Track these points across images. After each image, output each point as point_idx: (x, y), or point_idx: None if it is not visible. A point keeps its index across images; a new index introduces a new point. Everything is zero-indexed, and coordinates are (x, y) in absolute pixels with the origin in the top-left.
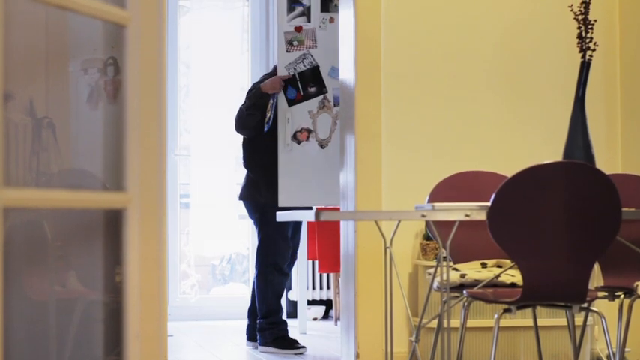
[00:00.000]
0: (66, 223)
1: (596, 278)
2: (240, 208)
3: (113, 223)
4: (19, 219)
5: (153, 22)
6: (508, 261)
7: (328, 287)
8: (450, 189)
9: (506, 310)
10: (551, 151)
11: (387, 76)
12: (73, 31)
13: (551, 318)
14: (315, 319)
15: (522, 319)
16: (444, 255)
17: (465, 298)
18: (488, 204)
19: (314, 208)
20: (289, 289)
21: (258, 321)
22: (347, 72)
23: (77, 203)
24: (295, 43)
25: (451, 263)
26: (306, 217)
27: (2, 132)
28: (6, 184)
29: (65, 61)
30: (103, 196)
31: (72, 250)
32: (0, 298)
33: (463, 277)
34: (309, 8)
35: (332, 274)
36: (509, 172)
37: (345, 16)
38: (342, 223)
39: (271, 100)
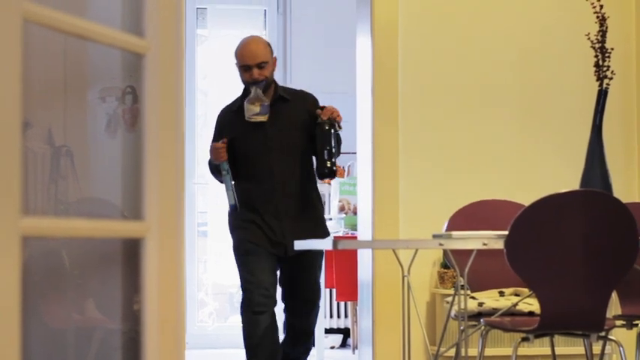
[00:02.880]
0: (84, 251)
1: (614, 307)
2: None
3: (131, 251)
4: (37, 247)
5: (171, 50)
6: (526, 289)
7: (346, 316)
8: (468, 217)
9: (524, 339)
10: (568, 179)
11: (404, 104)
12: (91, 59)
13: (569, 347)
14: (332, 347)
15: (540, 347)
16: (462, 283)
17: (483, 327)
18: (506, 232)
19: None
20: None
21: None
22: (364, 100)
23: (95, 232)
24: None
25: (469, 292)
26: (323, 245)
27: (21, 160)
28: (24, 213)
29: (83, 89)
30: (122, 224)
31: (90, 279)
32: (18, 325)
33: (481, 305)
34: None
35: (349, 303)
36: (526, 200)
37: (363, 44)
38: (359, 251)
39: (223, 172)
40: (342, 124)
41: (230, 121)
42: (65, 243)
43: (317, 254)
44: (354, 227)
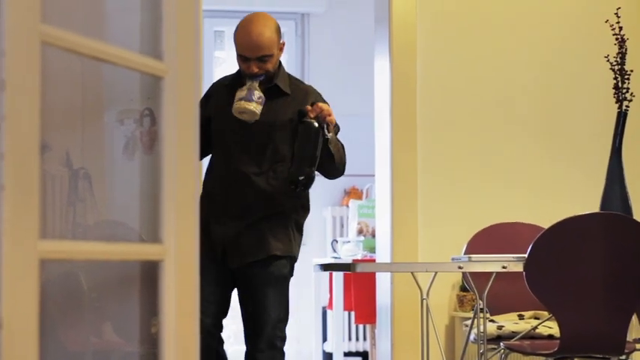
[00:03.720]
0: (102, 274)
1: (634, 330)
2: None
3: (149, 274)
4: (55, 270)
5: (189, 73)
6: (545, 313)
7: (364, 339)
8: (487, 240)
9: None
10: (588, 201)
11: (422, 126)
12: (109, 82)
13: None
14: None
15: None
16: (481, 306)
17: (503, 350)
18: (525, 255)
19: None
20: (325, 340)
21: None
22: (382, 122)
23: (113, 255)
24: None
25: (488, 315)
26: (342, 268)
27: (39, 184)
28: (42, 236)
29: (101, 111)
30: (140, 247)
31: (108, 302)
32: (37, 348)
33: (500, 329)
34: None
35: (368, 326)
36: (546, 223)
37: (381, 66)
38: (377, 274)
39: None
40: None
41: (218, 92)
42: (83, 265)
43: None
44: (372, 250)
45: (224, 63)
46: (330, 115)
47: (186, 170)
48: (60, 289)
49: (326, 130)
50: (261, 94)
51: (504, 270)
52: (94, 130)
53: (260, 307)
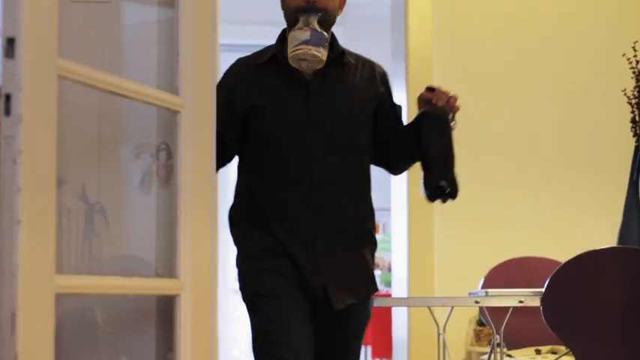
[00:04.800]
0: (118, 308)
1: None
2: None
3: (165, 309)
4: (70, 304)
5: (205, 108)
6: (563, 347)
7: None
8: (504, 275)
9: None
10: (605, 236)
11: None
12: (125, 115)
13: None
14: None
15: None
16: (498, 341)
17: None
18: (542, 290)
19: None
20: None
21: None
22: None
23: (129, 290)
24: None
25: (505, 350)
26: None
27: (55, 218)
28: (58, 271)
29: (117, 145)
30: (156, 282)
31: (123, 336)
32: None
33: None
34: None
35: None
36: (563, 257)
37: (398, 100)
38: (394, 308)
39: None
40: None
41: (249, 77)
42: (98, 300)
43: (368, 312)
44: (388, 284)
45: None
46: (456, 100)
47: (202, 205)
48: (75, 323)
49: (453, 119)
50: (325, 33)
51: (521, 304)
52: (110, 163)
53: (348, 356)
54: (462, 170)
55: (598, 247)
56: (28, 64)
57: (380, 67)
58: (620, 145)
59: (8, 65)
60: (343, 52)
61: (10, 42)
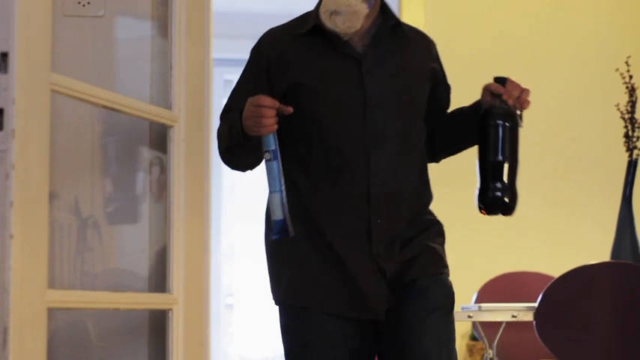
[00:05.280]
0: (110, 322)
1: None
2: None
3: (158, 323)
4: (62, 319)
5: (198, 122)
6: None
7: None
8: (497, 289)
9: None
10: (598, 250)
11: (432, 176)
12: (118, 130)
13: None
14: None
15: None
16: (491, 356)
17: None
18: (536, 304)
19: None
20: None
21: None
22: None
23: (122, 304)
24: None
25: None
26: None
27: (47, 233)
28: (50, 285)
29: (111, 159)
30: (148, 297)
31: (115, 350)
32: None
33: None
34: None
35: None
36: (556, 272)
37: None
38: None
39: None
40: None
41: (288, 51)
42: (91, 314)
43: (448, 294)
44: None
45: None
46: (528, 94)
47: (195, 219)
48: (67, 337)
49: (519, 118)
50: None
51: (514, 319)
52: (103, 178)
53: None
54: (454, 187)
55: (591, 262)
56: (21, 78)
57: (431, 40)
58: (613, 159)
59: (1, 80)
60: (398, 22)
61: (4, 56)
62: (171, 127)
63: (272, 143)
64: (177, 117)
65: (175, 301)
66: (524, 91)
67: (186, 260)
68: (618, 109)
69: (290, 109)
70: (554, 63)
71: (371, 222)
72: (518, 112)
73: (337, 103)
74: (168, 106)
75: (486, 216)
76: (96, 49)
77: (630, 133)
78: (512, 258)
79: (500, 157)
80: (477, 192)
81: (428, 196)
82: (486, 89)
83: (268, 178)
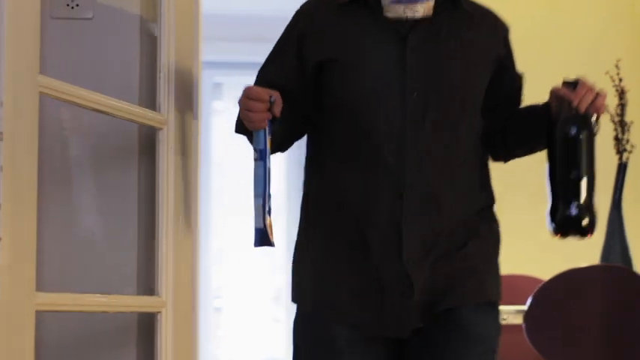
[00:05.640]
0: (98, 325)
1: None
2: (276, 310)
3: (146, 326)
4: (50, 321)
5: (187, 124)
6: None
7: None
8: None
9: None
10: (588, 254)
11: None
12: (106, 132)
13: None
14: None
15: None
16: None
17: None
18: (525, 307)
19: None
20: None
21: None
22: None
23: (110, 307)
24: None
25: None
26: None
27: (36, 236)
28: (38, 288)
29: (98, 161)
30: (136, 299)
31: (104, 354)
32: None
33: None
34: None
35: None
36: (545, 275)
37: None
38: None
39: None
40: None
41: (327, 20)
42: (79, 317)
43: (494, 321)
44: None
45: (222, 114)
46: (604, 98)
47: (184, 221)
48: (55, 340)
49: (595, 125)
50: None
51: (504, 322)
52: (90, 180)
53: None
54: None
55: (581, 265)
56: (9, 80)
57: (503, 22)
58: (603, 162)
59: None
60: None
61: None
62: (160, 129)
63: (261, 141)
64: (166, 119)
65: (164, 304)
66: (599, 95)
67: (175, 263)
68: (608, 111)
69: (277, 113)
70: (544, 65)
71: (402, 224)
72: (594, 117)
73: (373, 85)
74: (156, 108)
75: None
76: (84, 52)
77: (620, 135)
78: (501, 261)
79: (575, 174)
80: (548, 212)
81: (482, 201)
82: (553, 94)
83: (254, 179)
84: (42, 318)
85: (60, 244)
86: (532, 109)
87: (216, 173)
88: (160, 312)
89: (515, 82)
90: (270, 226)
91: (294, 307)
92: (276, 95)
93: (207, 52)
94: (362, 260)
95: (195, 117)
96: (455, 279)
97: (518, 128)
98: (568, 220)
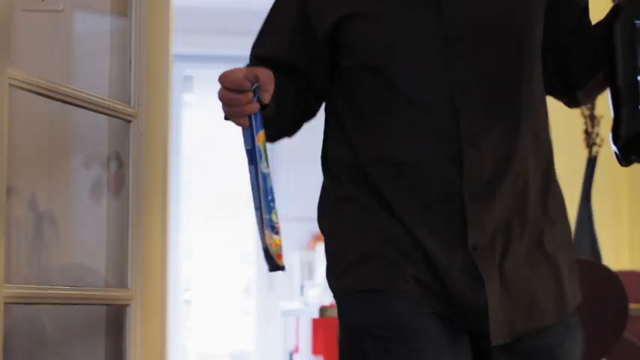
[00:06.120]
0: (67, 318)
1: None
2: (246, 302)
3: (115, 318)
4: (19, 314)
5: (157, 117)
6: None
7: None
8: None
9: None
10: None
11: None
12: (76, 124)
13: None
14: None
15: None
16: None
17: None
18: None
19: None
20: None
21: None
22: None
23: (79, 300)
24: None
25: None
26: (310, 313)
27: (4, 227)
28: (6, 280)
29: (68, 154)
30: (105, 292)
31: (72, 346)
32: None
33: None
34: None
35: None
36: None
37: None
38: None
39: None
40: None
41: None
42: (47, 309)
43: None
44: None
45: (193, 106)
46: None
47: (154, 214)
48: (23, 333)
49: None
50: None
51: None
52: (61, 172)
53: None
54: None
55: None
56: None
57: None
58: (573, 156)
59: None
60: None
61: None
62: (130, 122)
63: (248, 140)
64: (136, 112)
65: (133, 296)
66: None
67: (145, 255)
68: None
69: (266, 99)
70: None
71: (464, 199)
72: None
73: (404, 37)
74: (127, 101)
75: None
76: (55, 44)
77: (590, 129)
78: None
79: (633, 76)
80: (610, 134)
81: (551, 169)
82: None
83: (251, 187)
84: (10, 310)
85: (29, 236)
86: (598, 23)
87: (187, 166)
88: (128, 304)
89: (575, 4)
90: (277, 245)
91: (264, 299)
92: (262, 76)
93: (178, 45)
94: (413, 245)
95: (166, 110)
96: (533, 291)
97: (583, 47)
98: (632, 139)
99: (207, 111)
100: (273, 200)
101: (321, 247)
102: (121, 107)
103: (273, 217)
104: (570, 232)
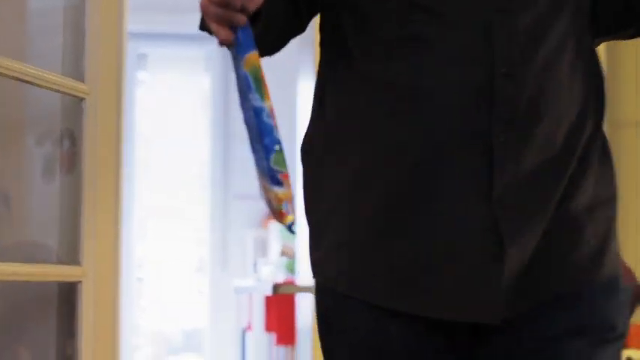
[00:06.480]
0: (17, 295)
1: None
2: (200, 281)
3: (67, 296)
4: None
5: (111, 95)
6: None
7: None
8: None
9: None
10: None
11: None
12: (28, 102)
13: None
14: None
15: None
16: None
17: None
18: None
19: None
20: None
21: None
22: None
23: (30, 277)
24: None
25: None
26: (263, 290)
27: None
28: None
29: (20, 132)
30: (57, 269)
31: (23, 324)
32: None
33: None
34: None
35: (289, 348)
36: None
37: (304, 88)
38: (298, 295)
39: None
40: None
41: None
42: None
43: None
44: (292, 271)
45: (147, 85)
46: None
47: (107, 192)
48: None
49: None
50: None
51: None
52: (13, 150)
53: None
54: None
55: None
56: None
57: None
58: None
59: None
60: None
61: None
62: (84, 99)
63: (236, 67)
64: (90, 89)
65: (85, 273)
66: None
67: (97, 233)
68: None
69: (251, 7)
70: None
71: (492, 139)
72: None
73: None
74: (80, 78)
75: None
76: (7, 20)
77: None
78: None
79: None
80: None
81: (600, 111)
82: None
83: (245, 118)
84: None
85: None
86: None
87: (142, 143)
88: (80, 281)
89: None
90: (279, 199)
91: (217, 277)
92: None
93: (133, 23)
94: (412, 206)
95: (120, 88)
96: (567, 243)
97: None
98: None
99: (161, 89)
100: (274, 142)
101: (274, 226)
102: (74, 85)
103: (273, 164)
104: (615, 196)
